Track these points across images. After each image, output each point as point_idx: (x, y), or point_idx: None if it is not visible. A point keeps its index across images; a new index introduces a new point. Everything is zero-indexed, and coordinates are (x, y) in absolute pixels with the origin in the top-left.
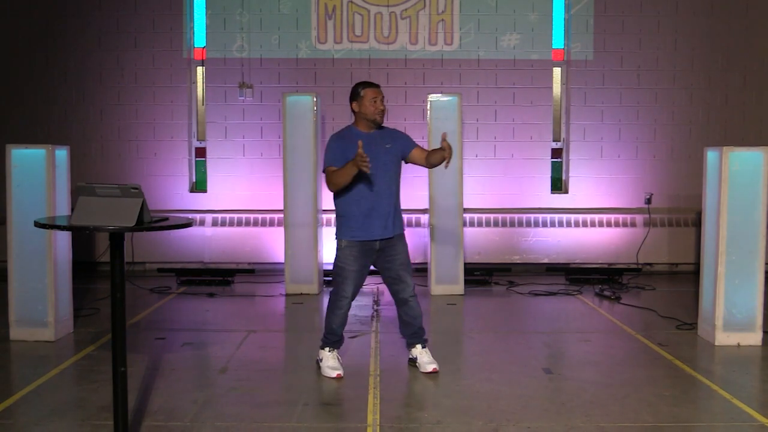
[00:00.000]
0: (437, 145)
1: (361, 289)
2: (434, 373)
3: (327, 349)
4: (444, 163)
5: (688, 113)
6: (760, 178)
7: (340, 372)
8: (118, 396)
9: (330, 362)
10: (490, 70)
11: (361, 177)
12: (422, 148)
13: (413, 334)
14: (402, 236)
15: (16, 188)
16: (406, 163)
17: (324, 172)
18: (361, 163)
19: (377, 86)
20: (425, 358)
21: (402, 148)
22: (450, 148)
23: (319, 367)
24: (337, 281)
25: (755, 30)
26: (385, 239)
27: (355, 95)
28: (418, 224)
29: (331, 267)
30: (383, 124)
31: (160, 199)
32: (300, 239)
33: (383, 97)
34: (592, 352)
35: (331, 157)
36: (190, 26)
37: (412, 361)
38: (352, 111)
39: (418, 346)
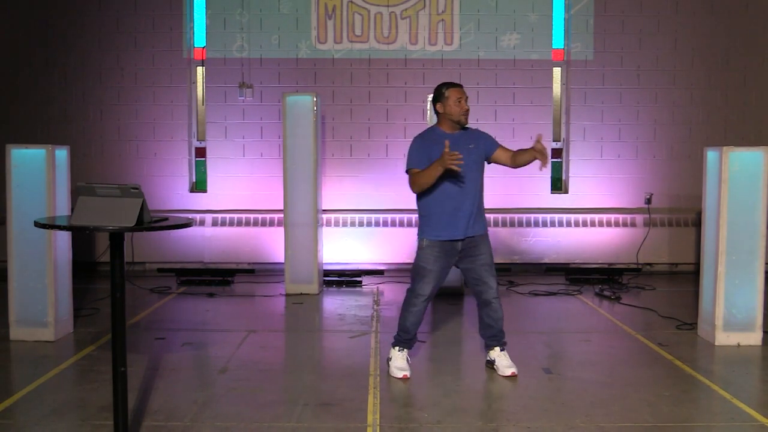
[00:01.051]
0: None
1: (355, 289)
2: (513, 377)
3: (397, 348)
4: (540, 166)
5: (688, 113)
6: (760, 178)
7: (407, 373)
8: (118, 396)
9: (398, 362)
10: (490, 70)
11: (445, 177)
12: (506, 148)
13: (493, 336)
14: (485, 237)
15: (16, 188)
16: (489, 163)
17: (407, 173)
18: (451, 160)
19: (461, 86)
20: (504, 362)
21: (485, 149)
22: (545, 150)
23: (389, 366)
24: (415, 279)
25: (755, 30)
26: (468, 239)
27: (439, 96)
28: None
29: (331, 267)
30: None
31: (160, 199)
32: (300, 239)
33: (467, 97)
34: (592, 352)
35: (415, 158)
36: (190, 26)
37: (490, 364)
38: (436, 112)
39: (497, 349)
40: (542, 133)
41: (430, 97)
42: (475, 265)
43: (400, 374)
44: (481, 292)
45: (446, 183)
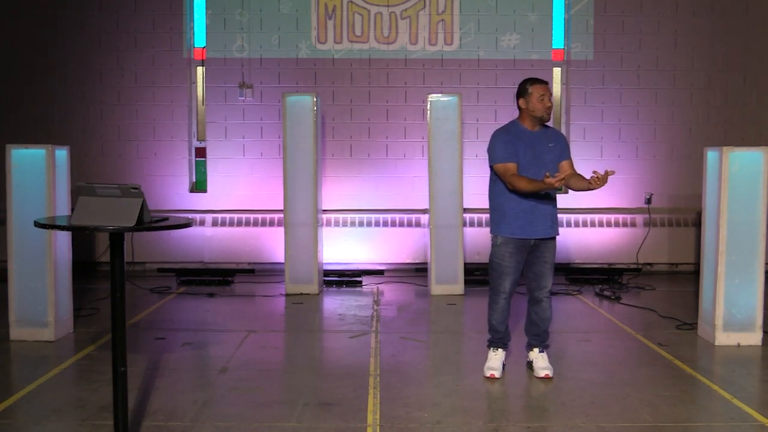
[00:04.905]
0: (437, 146)
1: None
2: (546, 378)
3: (491, 348)
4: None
5: (688, 113)
6: (760, 178)
7: (495, 373)
8: (118, 396)
9: (489, 362)
10: (490, 70)
11: (529, 173)
12: (571, 164)
13: (536, 335)
14: (555, 238)
15: (16, 188)
16: None
17: (495, 166)
18: (555, 183)
19: (545, 83)
20: (541, 363)
21: (560, 152)
22: (601, 181)
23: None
24: (494, 276)
25: (755, 30)
26: (542, 239)
27: (522, 92)
28: (418, 224)
29: (331, 267)
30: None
31: (160, 199)
32: (300, 239)
33: (551, 94)
34: (592, 352)
35: (503, 152)
36: (190, 26)
37: (529, 364)
38: (519, 107)
39: (536, 350)
40: (615, 171)
41: (431, 96)
42: (539, 262)
43: (487, 373)
44: (535, 288)
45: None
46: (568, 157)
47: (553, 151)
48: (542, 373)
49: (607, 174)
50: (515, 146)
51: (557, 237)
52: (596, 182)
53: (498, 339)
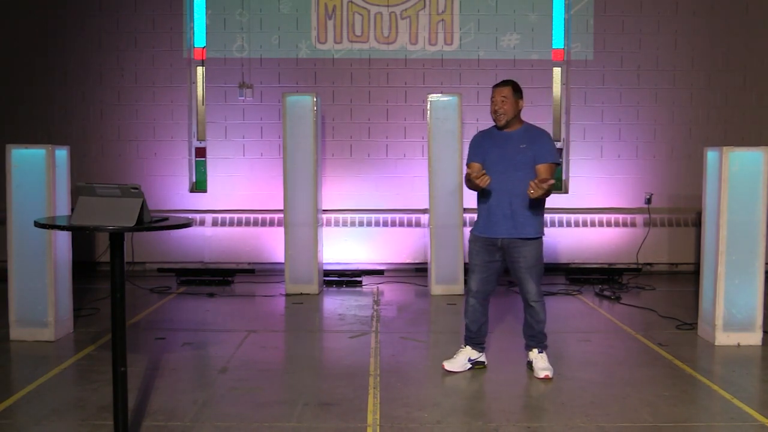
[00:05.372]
0: (437, 146)
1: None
2: (546, 379)
3: (463, 344)
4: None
5: (688, 113)
6: (760, 178)
7: (446, 364)
8: (118, 396)
9: (458, 356)
10: (490, 70)
11: (494, 173)
12: (547, 168)
13: (532, 336)
14: (530, 241)
15: (16, 188)
16: None
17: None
18: (478, 181)
19: (499, 86)
20: (540, 364)
21: (534, 156)
22: (535, 190)
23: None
24: (468, 274)
25: (755, 30)
26: (509, 240)
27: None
28: (418, 224)
29: (331, 267)
30: (532, 124)
31: (160, 199)
32: (300, 239)
33: (501, 97)
34: (592, 352)
35: (469, 153)
36: (190, 26)
37: (529, 365)
38: None
39: (535, 350)
40: (553, 183)
41: (431, 96)
42: (516, 267)
43: (444, 363)
44: (522, 293)
45: (494, 182)
46: (545, 161)
47: (525, 153)
48: (542, 374)
49: (541, 183)
50: (482, 146)
51: (536, 242)
52: (530, 193)
53: (468, 337)
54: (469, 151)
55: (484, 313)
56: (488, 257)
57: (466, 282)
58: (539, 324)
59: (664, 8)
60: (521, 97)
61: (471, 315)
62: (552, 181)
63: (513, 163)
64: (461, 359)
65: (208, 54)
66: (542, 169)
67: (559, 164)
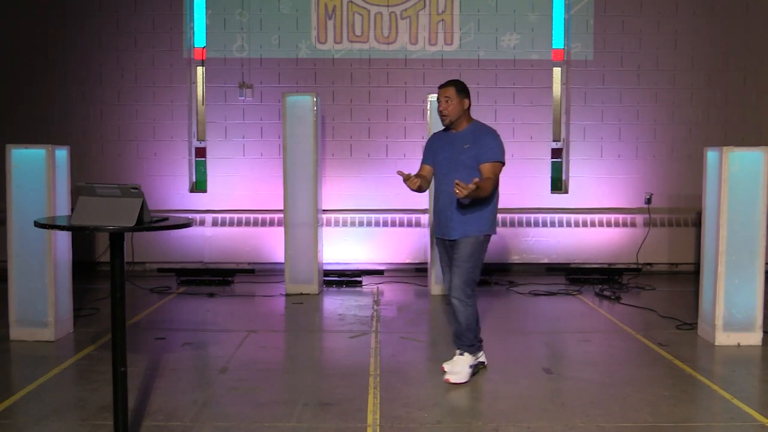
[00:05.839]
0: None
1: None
2: (446, 382)
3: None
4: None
5: (688, 113)
6: (760, 178)
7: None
8: (118, 396)
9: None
10: (490, 70)
11: (439, 174)
12: (488, 167)
13: (455, 335)
14: (467, 239)
15: (16, 188)
16: None
17: None
18: (407, 182)
19: (443, 86)
20: (449, 366)
21: (477, 154)
22: (463, 188)
23: None
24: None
25: (755, 30)
26: (451, 240)
27: None
28: (418, 224)
29: (331, 267)
30: (482, 123)
31: (160, 199)
32: (300, 239)
33: (445, 97)
34: (592, 352)
35: (423, 154)
36: (190, 26)
37: (481, 364)
38: None
39: (457, 351)
40: (476, 180)
41: (431, 96)
42: (452, 262)
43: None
44: (449, 289)
45: (439, 183)
46: (486, 160)
47: (468, 152)
48: (446, 376)
49: (467, 186)
50: (431, 148)
51: (473, 240)
52: (456, 193)
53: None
54: (423, 151)
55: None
56: (443, 257)
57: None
58: (457, 324)
59: (664, 8)
60: (467, 97)
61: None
62: (477, 181)
63: (456, 164)
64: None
65: (208, 54)
66: (485, 168)
67: (503, 163)
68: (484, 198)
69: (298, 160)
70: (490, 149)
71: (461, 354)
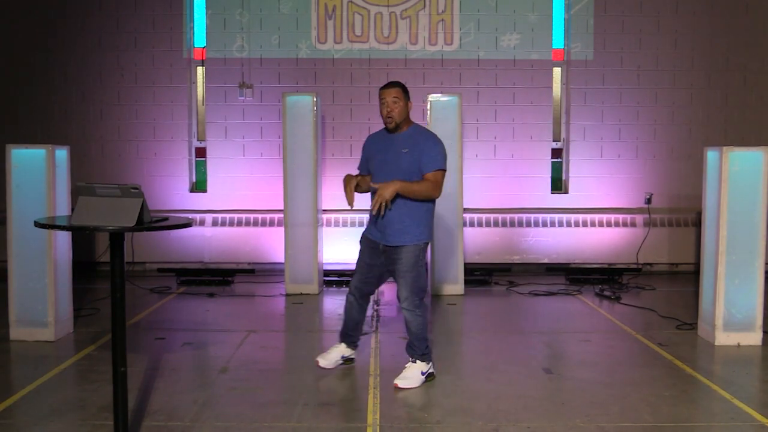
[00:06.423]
0: None
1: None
2: (395, 387)
3: (339, 341)
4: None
5: (688, 113)
6: (760, 178)
7: (320, 361)
8: (118, 396)
9: (327, 351)
10: (490, 70)
11: (377, 178)
12: (433, 177)
13: (407, 344)
14: (407, 247)
15: (16, 188)
16: None
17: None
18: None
19: (386, 87)
20: (405, 372)
21: (418, 161)
22: (375, 204)
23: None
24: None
25: (755, 30)
26: (386, 246)
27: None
28: None
29: (330, 267)
30: (421, 126)
31: (160, 199)
32: (300, 239)
33: (393, 98)
34: (592, 352)
35: (361, 157)
36: (190, 26)
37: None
38: None
39: (410, 359)
40: (380, 201)
41: (431, 96)
42: (394, 272)
43: (318, 358)
44: (398, 299)
45: (377, 183)
46: (429, 170)
47: (407, 157)
48: (396, 380)
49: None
50: (369, 151)
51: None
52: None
53: (344, 333)
54: (361, 156)
55: (362, 312)
56: (371, 259)
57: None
58: (410, 333)
59: (664, 8)
60: (409, 99)
61: (348, 312)
62: (384, 195)
63: (393, 169)
64: (334, 356)
65: (208, 54)
66: (428, 178)
67: (445, 170)
68: (422, 198)
69: (298, 160)
70: (431, 158)
71: (414, 362)
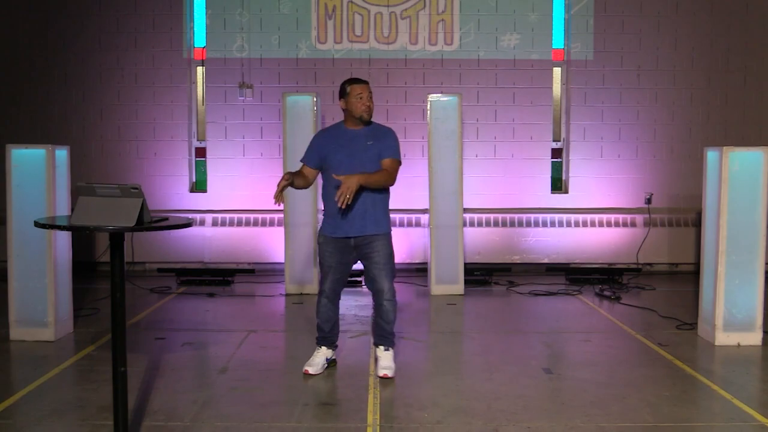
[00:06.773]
0: (437, 146)
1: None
2: (384, 378)
3: (317, 345)
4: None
5: (688, 113)
6: (760, 178)
7: (309, 369)
8: (118, 396)
9: (311, 358)
10: (490, 70)
11: (339, 171)
12: (389, 161)
13: (381, 336)
14: (382, 236)
15: (16, 188)
16: None
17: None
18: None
19: (364, 82)
20: (383, 362)
21: (380, 151)
22: (341, 196)
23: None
24: (320, 275)
25: (755, 30)
26: (360, 237)
27: (342, 92)
28: (418, 224)
29: None
30: (377, 122)
31: (160, 199)
32: (300, 239)
33: (370, 93)
34: (592, 352)
35: (305, 153)
36: (190, 26)
37: (376, 361)
38: (342, 109)
39: (381, 348)
40: (347, 193)
41: (431, 96)
42: (368, 265)
43: (304, 368)
44: (375, 292)
45: (337, 180)
46: (387, 156)
47: (372, 150)
48: (381, 373)
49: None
50: (326, 148)
51: (389, 238)
52: (341, 191)
53: (321, 337)
54: (307, 150)
55: (336, 312)
56: (342, 257)
57: (320, 283)
58: (389, 324)
59: (664, 8)
60: None
61: (324, 314)
62: (352, 187)
63: (360, 161)
64: (320, 360)
65: (208, 54)
66: (385, 163)
67: (400, 163)
68: (380, 187)
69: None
70: (389, 146)
71: (387, 350)
